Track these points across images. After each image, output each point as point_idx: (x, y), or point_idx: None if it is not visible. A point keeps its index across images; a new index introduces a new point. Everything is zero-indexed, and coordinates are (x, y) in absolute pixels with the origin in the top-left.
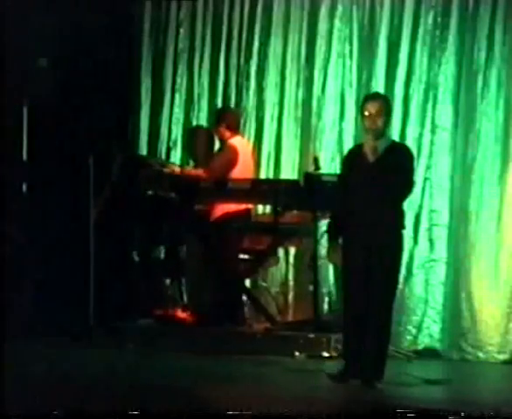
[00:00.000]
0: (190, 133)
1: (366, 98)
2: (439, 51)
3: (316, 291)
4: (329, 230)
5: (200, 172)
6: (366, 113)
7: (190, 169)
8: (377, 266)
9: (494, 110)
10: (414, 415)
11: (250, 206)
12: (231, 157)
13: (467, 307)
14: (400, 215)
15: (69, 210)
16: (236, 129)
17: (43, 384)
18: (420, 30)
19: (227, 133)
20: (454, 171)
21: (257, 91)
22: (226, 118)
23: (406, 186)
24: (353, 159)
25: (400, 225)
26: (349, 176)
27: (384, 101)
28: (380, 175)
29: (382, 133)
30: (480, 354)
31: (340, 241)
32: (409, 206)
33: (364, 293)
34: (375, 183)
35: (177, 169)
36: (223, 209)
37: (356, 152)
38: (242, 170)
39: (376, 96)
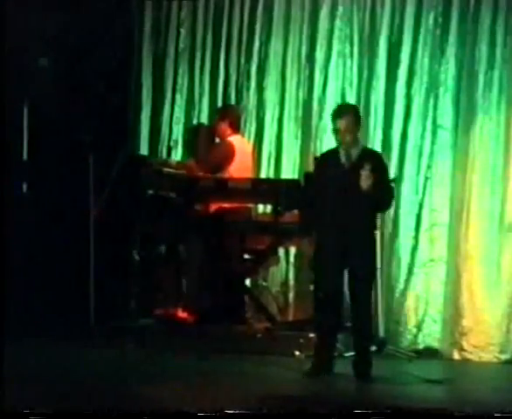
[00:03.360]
0: (191, 131)
1: (334, 113)
2: (440, 51)
3: None
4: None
5: (193, 164)
6: (336, 128)
7: (185, 162)
8: (354, 268)
9: (495, 110)
10: (413, 415)
11: (249, 204)
12: (226, 153)
13: (468, 307)
14: (373, 217)
15: (69, 210)
16: (237, 128)
17: (42, 384)
18: (421, 30)
19: (228, 131)
20: (455, 171)
21: (257, 91)
22: (229, 115)
23: (388, 191)
24: (328, 163)
25: (373, 228)
26: (325, 180)
27: (352, 115)
28: (356, 181)
29: (354, 141)
30: (482, 354)
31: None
32: (409, 206)
33: (338, 295)
34: (351, 188)
35: (173, 163)
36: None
37: (331, 156)
38: (239, 168)
39: (343, 112)
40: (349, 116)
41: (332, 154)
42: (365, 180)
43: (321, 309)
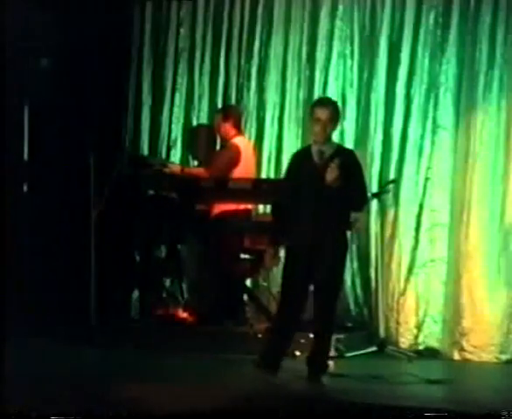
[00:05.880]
0: (193, 132)
1: (316, 102)
2: (441, 51)
3: None
4: (273, 233)
5: (201, 170)
6: (316, 118)
7: (192, 168)
8: (322, 268)
9: (495, 110)
10: (413, 415)
11: (249, 205)
12: (233, 156)
13: (468, 307)
14: (346, 216)
15: (70, 210)
16: (240, 128)
17: (43, 384)
18: (421, 30)
19: (232, 132)
20: (455, 171)
21: (258, 91)
22: (232, 116)
23: (359, 190)
24: (300, 161)
25: (346, 227)
26: (297, 178)
27: (335, 107)
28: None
29: (329, 136)
30: (482, 354)
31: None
32: (410, 206)
33: (304, 295)
34: (322, 185)
35: (179, 168)
36: (221, 207)
37: (304, 154)
38: (244, 170)
39: (326, 101)
40: (332, 107)
41: (304, 152)
42: (330, 173)
43: (285, 305)
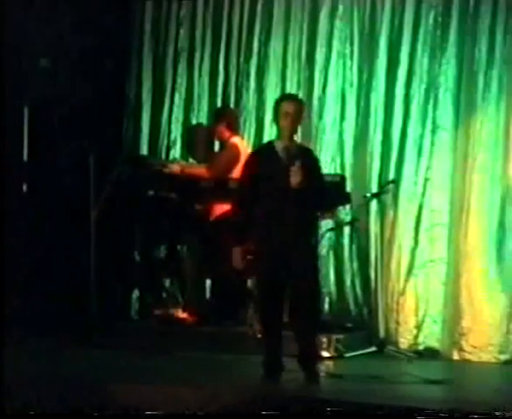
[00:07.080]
0: (191, 131)
1: (283, 97)
2: (440, 51)
3: None
4: (236, 232)
5: (203, 169)
6: (284, 112)
7: (193, 166)
8: (296, 265)
9: (494, 110)
10: (414, 415)
11: None
12: (234, 155)
13: (467, 307)
14: (313, 213)
15: (69, 210)
16: (235, 129)
17: (42, 384)
18: (421, 30)
19: (227, 133)
20: (455, 171)
21: (257, 91)
22: (226, 117)
23: (322, 189)
24: (264, 157)
25: (313, 224)
26: (262, 175)
27: (301, 102)
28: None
29: (295, 132)
30: (481, 355)
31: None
32: (409, 206)
33: (280, 293)
34: (289, 182)
35: (178, 167)
36: (222, 207)
37: (267, 150)
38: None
39: (294, 96)
40: (299, 102)
41: (268, 148)
42: (294, 175)
43: (265, 308)
